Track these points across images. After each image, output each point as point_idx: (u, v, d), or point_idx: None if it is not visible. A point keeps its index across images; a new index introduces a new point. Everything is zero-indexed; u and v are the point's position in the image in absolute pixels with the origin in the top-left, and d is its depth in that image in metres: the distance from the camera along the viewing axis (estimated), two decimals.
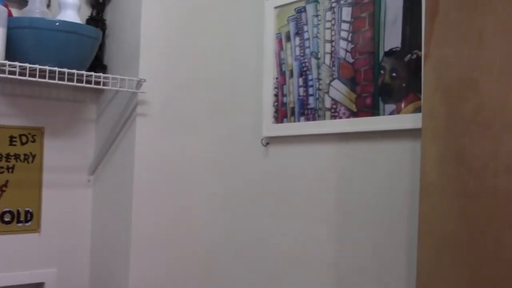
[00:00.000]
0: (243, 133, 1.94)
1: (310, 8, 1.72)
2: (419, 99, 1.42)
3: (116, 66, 2.06)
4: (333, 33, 1.65)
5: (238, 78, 1.99)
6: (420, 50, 1.42)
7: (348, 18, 1.61)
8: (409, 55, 1.46)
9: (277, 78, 1.81)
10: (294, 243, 1.76)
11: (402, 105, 1.46)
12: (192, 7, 2.07)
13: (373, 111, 1.53)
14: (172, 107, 2.02)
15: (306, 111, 1.71)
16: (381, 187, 1.52)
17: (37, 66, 1.70)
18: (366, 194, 1.56)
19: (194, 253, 2.06)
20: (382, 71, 1.52)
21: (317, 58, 1.69)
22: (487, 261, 1.11)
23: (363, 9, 1.58)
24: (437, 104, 1.20)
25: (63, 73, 1.75)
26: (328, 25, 1.67)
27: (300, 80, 1.74)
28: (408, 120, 1.44)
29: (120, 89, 1.89)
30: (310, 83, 1.71)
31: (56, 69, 1.73)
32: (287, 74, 1.78)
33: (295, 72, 1.76)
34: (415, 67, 1.44)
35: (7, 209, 1.95)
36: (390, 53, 1.50)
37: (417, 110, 1.42)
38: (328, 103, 1.65)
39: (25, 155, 1.99)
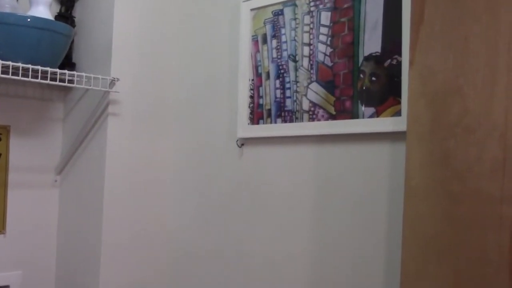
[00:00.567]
0: (217, 135, 1.94)
1: (287, 11, 1.74)
2: (399, 103, 1.46)
3: (85, 64, 2.02)
4: (311, 36, 1.67)
5: (212, 79, 1.98)
6: (400, 55, 1.46)
7: (327, 23, 1.64)
8: (389, 60, 1.49)
9: (253, 80, 1.82)
10: (269, 246, 1.77)
11: (382, 108, 1.50)
12: (167, 6, 2.06)
13: (353, 114, 1.56)
14: (144, 107, 2.00)
15: (283, 113, 1.73)
16: (360, 189, 1.55)
17: (10, 63, 1.66)
18: (344, 196, 1.59)
19: (165, 256, 2.05)
20: (361, 75, 1.55)
21: (295, 61, 1.71)
22: (471, 263, 1.15)
23: (342, 14, 1.61)
24: (422, 109, 1.24)
25: (36, 70, 1.71)
26: (306, 28, 1.69)
27: (277, 82, 1.76)
28: (388, 123, 1.48)
29: (93, 87, 1.85)
30: (287, 85, 1.73)
31: (30, 66, 1.69)
32: (264, 76, 1.79)
33: (272, 74, 1.77)
34: (395, 72, 1.48)
35: None
36: (369, 58, 1.53)
37: (397, 113, 1.46)
38: (306, 106, 1.67)
39: None
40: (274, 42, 1.77)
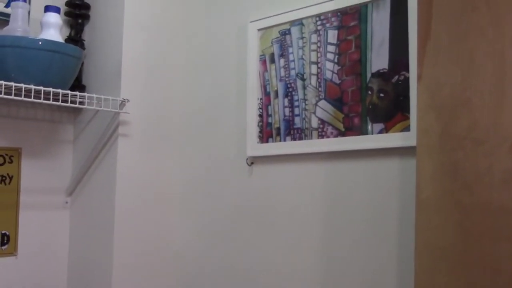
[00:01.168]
0: (227, 153, 1.95)
1: (295, 31, 1.77)
2: (407, 118, 1.47)
3: (94, 87, 2.04)
4: (319, 55, 1.70)
5: (221, 98, 2.00)
6: (407, 71, 1.48)
7: (334, 41, 1.66)
8: (396, 76, 1.51)
9: (261, 99, 1.84)
10: (279, 264, 1.77)
11: (391, 124, 1.51)
12: (174, 28, 2.09)
13: (361, 130, 1.58)
14: (154, 127, 2.02)
15: (292, 131, 1.75)
16: (370, 204, 1.56)
17: (23, 85, 1.68)
18: (354, 212, 1.59)
19: (175, 274, 2.05)
20: (369, 92, 1.57)
21: (303, 79, 1.73)
22: (483, 273, 1.15)
23: (349, 32, 1.63)
24: (431, 122, 1.25)
25: (48, 92, 1.74)
26: (313, 47, 1.71)
27: (286, 100, 1.78)
28: (397, 138, 1.49)
29: (104, 109, 1.88)
30: (296, 103, 1.75)
31: (42, 88, 1.71)
32: (272, 94, 1.82)
33: (280, 93, 1.79)
34: (402, 88, 1.49)
35: None
36: (377, 75, 1.56)
37: (406, 129, 1.48)
38: (315, 123, 1.69)
39: (2, 176, 1.94)
40: (282, 61, 1.80)
